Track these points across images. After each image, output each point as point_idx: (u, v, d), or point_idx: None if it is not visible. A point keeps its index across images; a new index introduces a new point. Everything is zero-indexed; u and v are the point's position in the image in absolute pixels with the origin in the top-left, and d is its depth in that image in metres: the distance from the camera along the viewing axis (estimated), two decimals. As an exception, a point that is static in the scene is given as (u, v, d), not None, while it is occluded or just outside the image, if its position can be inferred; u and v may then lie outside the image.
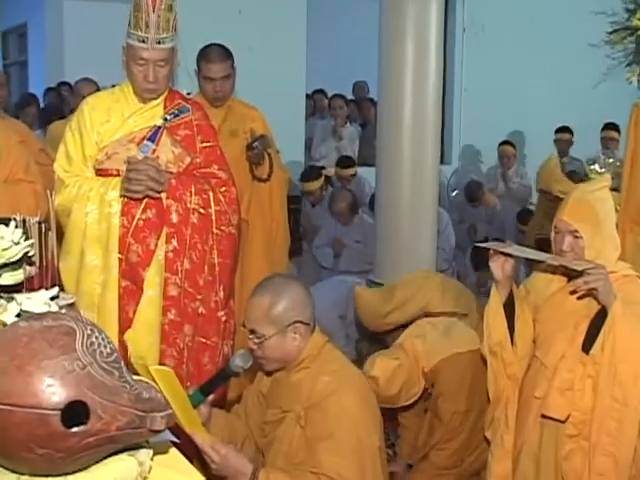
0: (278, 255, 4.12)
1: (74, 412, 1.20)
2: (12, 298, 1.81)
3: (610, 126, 7.31)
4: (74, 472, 1.26)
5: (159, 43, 2.85)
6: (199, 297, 2.97)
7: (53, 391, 1.19)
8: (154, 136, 2.98)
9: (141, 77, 2.91)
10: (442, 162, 8.62)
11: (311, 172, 6.88)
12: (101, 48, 6.12)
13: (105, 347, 1.27)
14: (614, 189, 4.15)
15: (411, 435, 3.73)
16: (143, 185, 2.85)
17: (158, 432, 1.28)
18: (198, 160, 3.05)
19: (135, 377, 1.32)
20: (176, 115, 3.03)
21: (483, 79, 8.42)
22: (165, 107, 3.03)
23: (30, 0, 9.48)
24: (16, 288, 1.92)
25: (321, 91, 9.04)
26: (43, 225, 1.97)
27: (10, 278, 1.88)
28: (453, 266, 6.22)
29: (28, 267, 1.92)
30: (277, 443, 2.52)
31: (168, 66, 2.94)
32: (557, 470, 2.72)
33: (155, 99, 3.02)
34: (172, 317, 2.95)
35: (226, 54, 3.93)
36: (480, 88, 8.47)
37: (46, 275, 1.96)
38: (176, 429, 2.34)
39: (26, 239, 1.86)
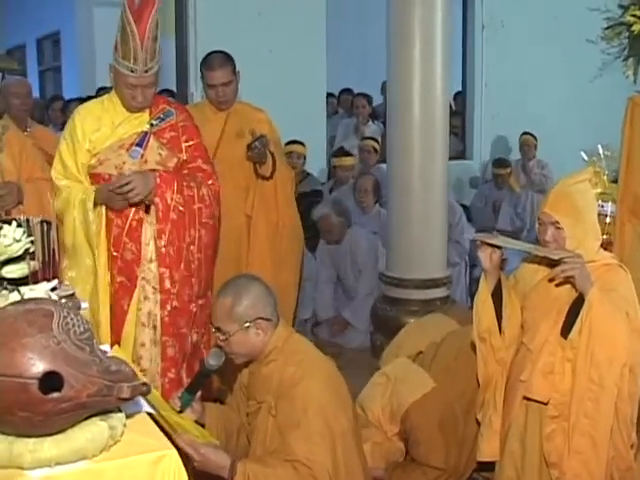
0: (285, 251, 4.23)
1: (50, 381, 1.41)
2: (17, 289, 2.02)
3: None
4: (52, 434, 1.47)
5: (146, 72, 3.08)
6: (173, 291, 3.15)
7: (32, 363, 1.41)
8: (142, 141, 3.20)
9: (129, 97, 3.14)
10: (464, 157, 8.77)
11: (344, 150, 7.13)
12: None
13: (79, 327, 1.47)
14: (613, 181, 4.28)
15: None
16: (140, 196, 3.06)
17: (126, 400, 1.48)
18: (184, 158, 3.26)
19: (108, 354, 1.53)
20: (162, 119, 3.26)
21: (503, 75, 8.48)
22: (151, 113, 3.25)
23: (63, 8, 9.79)
24: (23, 281, 2.14)
25: (348, 90, 9.20)
26: (45, 224, 2.18)
27: (16, 272, 2.09)
28: (466, 260, 6.30)
29: (32, 262, 2.13)
30: (256, 432, 2.72)
31: (154, 86, 3.17)
32: (541, 449, 2.86)
33: None
34: (169, 309, 3.15)
35: (226, 61, 4.06)
36: (501, 84, 8.53)
37: (48, 269, 2.17)
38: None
39: (28, 236, 2.07)
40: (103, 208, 3.14)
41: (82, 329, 1.47)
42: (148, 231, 3.16)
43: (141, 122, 3.23)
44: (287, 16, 7.35)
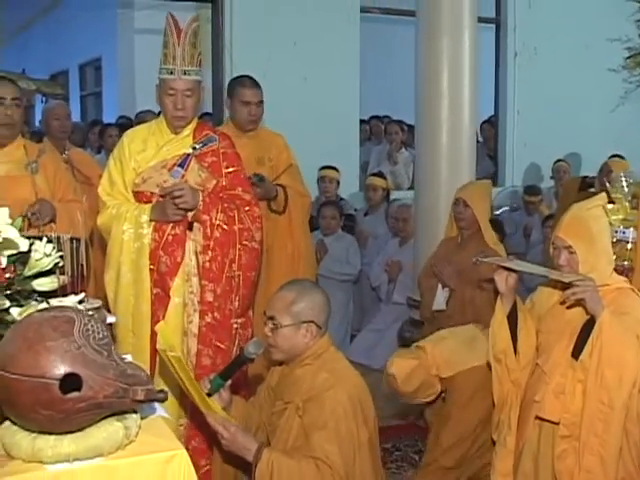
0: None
1: (70, 382, 1.54)
2: (46, 301, 2.15)
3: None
4: (72, 432, 1.59)
5: (185, 74, 3.27)
6: (215, 305, 3.30)
7: (54, 365, 1.54)
8: (184, 162, 3.37)
9: (171, 106, 3.31)
10: (495, 184, 8.79)
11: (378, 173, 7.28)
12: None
13: (98, 333, 1.61)
14: (635, 207, 4.33)
15: (433, 435, 3.87)
16: (186, 205, 3.21)
17: (140, 402, 1.60)
18: (224, 183, 3.41)
19: (126, 360, 1.65)
20: (204, 144, 3.41)
21: (536, 102, 8.52)
22: (194, 137, 3.42)
23: (105, 35, 10.10)
24: (53, 294, 2.27)
25: (377, 117, 9.33)
26: (74, 241, 2.32)
27: (46, 285, 2.22)
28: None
29: (61, 276, 2.26)
30: (279, 431, 2.83)
31: (194, 97, 3.34)
32: (554, 469, 2.91)
33: (185, 127, 3.39)
34: (209, 320, 3.30)
35: (257, 83, 4.24)
36: (533, 111, 8.56)
37: (77, 283, 2.30)
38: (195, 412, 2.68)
39: (58, 252, 2.21)
40: (152, 225, 3.30)
41: (101, 335, 1.60)
42: (191, 247, 3.31)
43: (184, 145, 3.39)
44: (322, 45, 7.50)
